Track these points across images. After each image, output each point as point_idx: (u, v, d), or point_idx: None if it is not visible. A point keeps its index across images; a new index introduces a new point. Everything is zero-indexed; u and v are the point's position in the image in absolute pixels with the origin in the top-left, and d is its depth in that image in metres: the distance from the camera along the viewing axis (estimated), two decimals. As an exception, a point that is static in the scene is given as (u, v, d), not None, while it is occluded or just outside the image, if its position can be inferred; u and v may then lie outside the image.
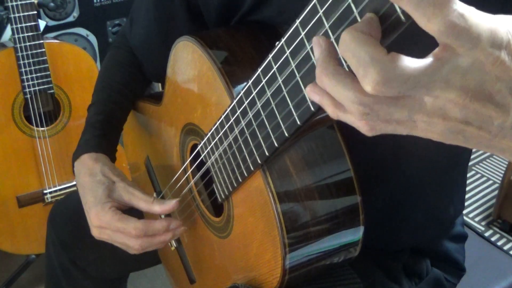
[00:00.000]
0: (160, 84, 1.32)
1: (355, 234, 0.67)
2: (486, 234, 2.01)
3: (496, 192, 2.17)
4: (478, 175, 2.34)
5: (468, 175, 2.29)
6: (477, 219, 2.10)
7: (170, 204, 0.78)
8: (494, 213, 2.07)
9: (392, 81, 0.35)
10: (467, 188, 2.23)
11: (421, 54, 0.36)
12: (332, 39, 0.41)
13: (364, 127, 0.40)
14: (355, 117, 0.39)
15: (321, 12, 0.41)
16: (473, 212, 2.13)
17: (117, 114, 0.93)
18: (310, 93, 0.42)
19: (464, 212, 2.09)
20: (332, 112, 0.41)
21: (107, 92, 0.93)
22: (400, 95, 0.36)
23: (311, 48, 0.44)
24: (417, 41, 0.37)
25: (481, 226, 2.07)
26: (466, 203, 2.15)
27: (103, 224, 0.78)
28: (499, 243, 1.95)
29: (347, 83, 0.38)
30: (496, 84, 0.35)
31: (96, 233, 0.81)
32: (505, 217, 2.03)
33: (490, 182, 2.30)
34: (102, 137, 0.88)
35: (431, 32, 0.33)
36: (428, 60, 0.35)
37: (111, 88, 0.94)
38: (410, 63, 0.35)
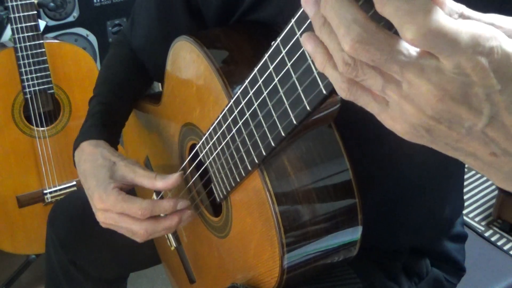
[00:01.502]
0: (160, 84, 1.33)
1: (354, 234, 0.67)
2: (486, 234, 2.01)
3: (496, 192, 2.17)
4: (478, 175, 2.33)
5: (468, 175, 2.30)
6: (477, 219, 2.10)
7: (172, 178, 0.75)
8: (494, 213, 2.07)
9: (370, 44, 0.35)
10: (467, 188, 2.23)
11: None
12: None
13: (342, 86, 0.40)
14: (339, 63, 0.39)
15: (316, 11, 0.41)
16: (473, 212, 2.13)
17: (118, 107, 0.91)
18: (305, 41, 0.42)
19: (464, 212, 2.09)
20: (320, 63, 0.41)
21: (109, 86, 0.92)
22: (374, 64, 0.37)
23: None
24: None
25: (481, 226, 2.06)
26: (466, 203, 2.15)
27: (108, 206, 0.75)
28: (499, 243, 1.95)
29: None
30: (474, 89, 0.35)
31: (101, 218, 0.78)
32: (505, 217, 2.03)
33: (490, 182, 2.29)
34: (103, 126, 0.86)
35: (406, 41, 0.34)
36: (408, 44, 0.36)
37: (112, 83, 0.93)
38: (392, 35, 0.36)
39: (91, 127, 0.86)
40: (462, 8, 0.36)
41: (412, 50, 0.36)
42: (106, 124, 0.87)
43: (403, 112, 0.38)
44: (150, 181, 0.77)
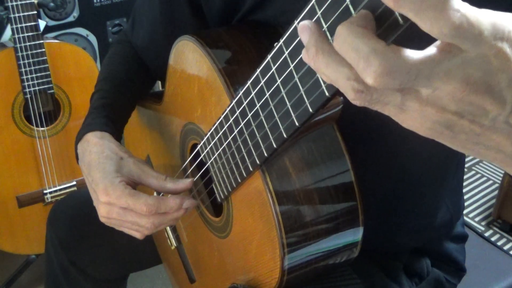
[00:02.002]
0: (160, 83, 1.32)
1: (355, 235, 0.67)
2: (486, 234, 2.01)
3: (496, 192, 2.17)
4: (478, 175, 2.34)
5: (468, 175, 2.30)
6: (477, 219, 2.10)
7: (184, 183, 0.74)
8: (494, 213, 2.07)
9: (394, 72, 0.34)
10: (467, 188, 2.23)
11: (420, 48, 0.36)
12: (330, 40, 0.41)
13: (353, 99, 0.39)
14: (348, 92, 0.38)
15: (319, 13, 0.41)
16: (473, 212, 2.13)
17: (120, 103, 0.90)
18: (307, 60, 0.40)
19: (464, 212, 2.09)
20: (326, 79, 0.40)
21: (110, 83, 0.91)
22: (401, 87, 0.35)
23: None
24: (417, 38, 0.37)
25: (481, 226, 2.07)
26: (466, 203, 2.15)
27: (112, 199, 0.73)
28: (499, 243, 1.95)
29: (341, 60, 0.37)
30: (497, 76, 0.34)
31: (103, 212, 0.75)
32: (505, 217, 2.03)
33: (490, 182, 2.30)
34: (107, 118, 0.84)
35: (435, 35, 0.33)
36: (430, 52, 0.35)
37: (113, 80, 0.92)
38: (411, 54, 0.35)
39: (95, 119, 0.84)
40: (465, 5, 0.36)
41: (433, 58, 0.35)
42: (109, 118, 0.85)
43: (423, 113, 0.37)
44: (159, 182, 0.76)
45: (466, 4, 0.34)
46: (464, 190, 2.19)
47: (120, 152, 0.78)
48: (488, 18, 0.33)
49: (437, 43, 0.35)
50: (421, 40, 0.36)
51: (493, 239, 1.98)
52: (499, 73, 0.34)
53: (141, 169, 0.76)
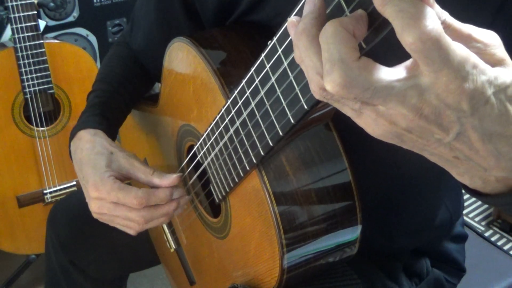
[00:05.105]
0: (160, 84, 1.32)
1: (353, 232, 0.67)
2: (486, 234, 2.01)
3: (496, 192, 2.16)
4: (479, 175, 2.33)
5: (469, 175, 2.29)
6: (477, 219, 2.10)
7: (170, 178, 0.74)
8: (494, 213, 2.07)
9: (352, 87, 0.36)
10: (467, 188, 2.22)
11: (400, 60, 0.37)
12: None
13: (314, 91, 0.41)
14: (312, 84, 0.40)
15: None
16: (473, 212, 2.13)
17: (116, 103, 0.90)
18: (291, 27, 0.42)
19: (464, 212, 2.09)
20: (297, 58, 0.42)
21: (107, 82, 0.92)
22: (357, 100, 0.37)
23: None
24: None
25: (481, 226, 2.06)
26: (466, 203, 2.15)
27: (102, 194, 0.73)
28: (499, 243, 1.95)
29: (319, 52, 0.38)
30: (446, 112, 0.36)
31: (94, 207, 0.75)
32: (505, 217, 2.03)
33: (491, 182, 2.29)
34: (101, 116, 0.85)
35: (404, 43, 0.34)
36: (393, 73, 0.36)
37: (111, 80, 0.92)
38: (375, 72, 0.36)
39: (89, 117, 0.84)
40: (445, 15, 0.36)
41: (394, 81, 0.36)
42: (104, 116, 0.86)
43: (376, 122, 0.39)
44: (146, 177, 0.76)
45: (451, 19, 0.35)
46: (464, 191, 2.18)
47: (111, 147, 0.79)
48: (459, 51, 0.34)
49: (407, 62, 0.37)
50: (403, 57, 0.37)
51: (493, 239, 1.98)
52: (448, 110, 0.36)
53: (130, 164, 0.77)
